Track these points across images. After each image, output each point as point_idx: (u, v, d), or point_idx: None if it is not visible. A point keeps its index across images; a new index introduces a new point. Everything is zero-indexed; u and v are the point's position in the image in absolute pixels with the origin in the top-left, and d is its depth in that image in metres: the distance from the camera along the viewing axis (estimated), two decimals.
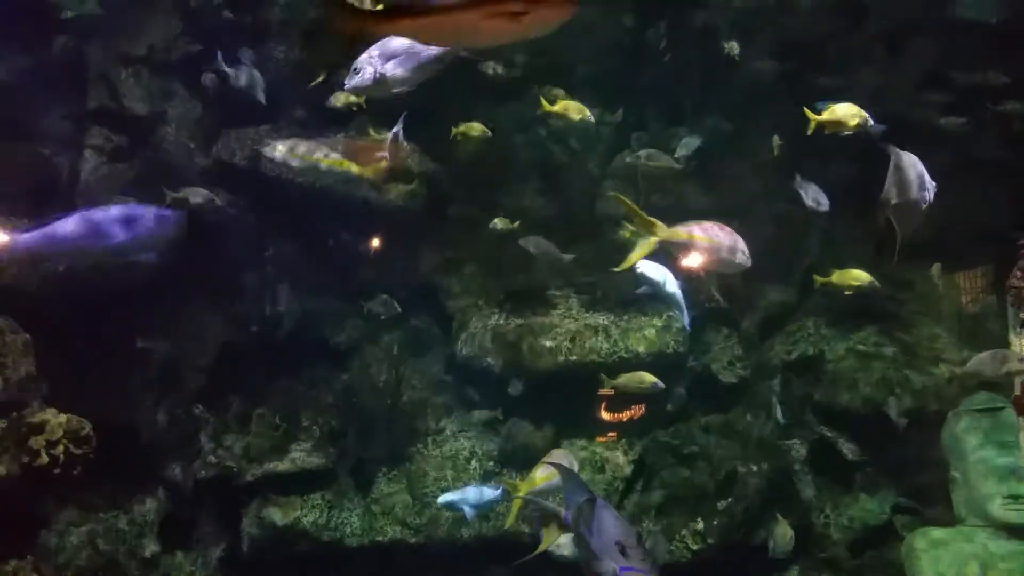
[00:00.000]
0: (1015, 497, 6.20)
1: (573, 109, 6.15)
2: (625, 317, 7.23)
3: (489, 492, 6.41)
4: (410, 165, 7.05)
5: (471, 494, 6.40)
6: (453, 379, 7.63)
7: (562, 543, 6.03)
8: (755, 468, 7.11)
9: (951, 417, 6.83)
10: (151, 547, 7.15)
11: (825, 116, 5.15)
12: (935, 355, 7.10)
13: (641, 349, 7.06)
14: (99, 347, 6.60)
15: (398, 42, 4.51)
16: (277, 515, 7.18)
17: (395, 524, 7.19)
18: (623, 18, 6.66)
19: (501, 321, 7.33)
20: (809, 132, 5.06)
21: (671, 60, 6.58)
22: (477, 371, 7.33)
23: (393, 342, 7.58)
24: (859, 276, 6.30)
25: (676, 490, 6.94)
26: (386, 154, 6.41)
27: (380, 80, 4.57)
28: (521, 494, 5.55)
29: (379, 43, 4.52)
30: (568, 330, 7.14)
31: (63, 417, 6.44)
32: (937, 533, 6.64)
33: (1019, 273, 5.77)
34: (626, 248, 7.25)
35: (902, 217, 4.32)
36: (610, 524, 3.90)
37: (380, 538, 7.16)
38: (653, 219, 4.40)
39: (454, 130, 6.40)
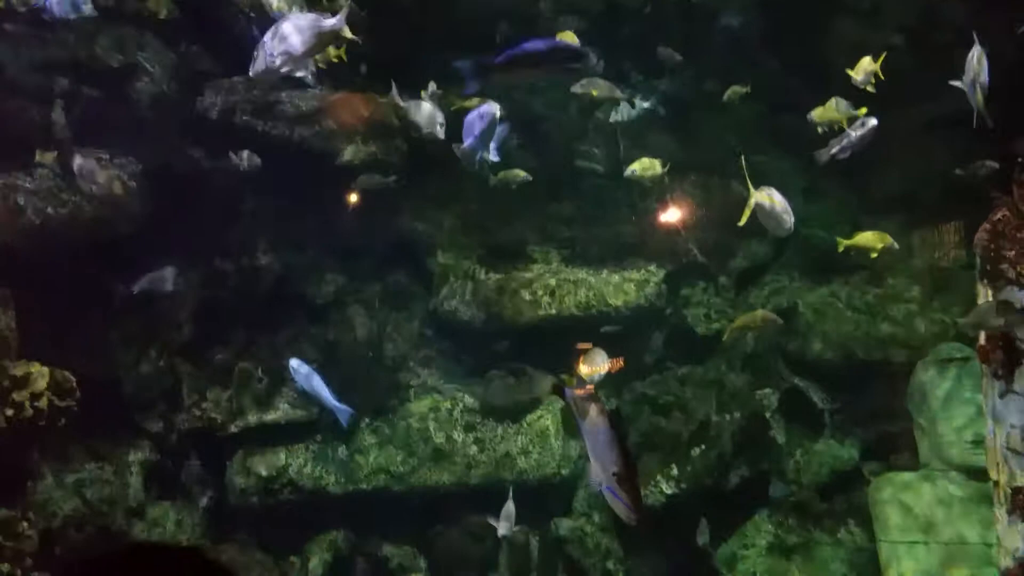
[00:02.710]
0: (976, 442, 6.40)
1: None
2: (604, 271, 7.32)
3: (331, 401, 6.58)
4: (392, 120, 6.99)
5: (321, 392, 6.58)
6: (434, 333, 7.71)
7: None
8: (728, 417, 7.31)
9: (919, 367, 7.03)
10: (137, 497, 7.26)
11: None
12: (905, 307, 7.26)
13: (620, 302, 7.17)
14: (79, 301, 6.59)
15: (286, 25, 4.89)
16: (262, 465, 7.31)
17: (378, 473, 7.35)
18: None
19: (481, 276, 7.39)
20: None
21: (651, 14, 6.52)
22: (457, 325, 7.41)
23: (374, 297, 7.63)
24: (883, 238, 6.47)
25: (651, 438, 7.14)
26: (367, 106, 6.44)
27: (271, 64, 4.88)
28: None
29: (272, 28, 4.90)
30: (547, 284, 7.22)
31: (46, 370, 6.47)
32: (902, 477, 6.91)
33: (988, 226, 5.85)
34: (607, 203, 7.42)
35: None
36: (609, 448, 4.07)
37: (364, 487, 7.33)
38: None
39: None
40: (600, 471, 4.20)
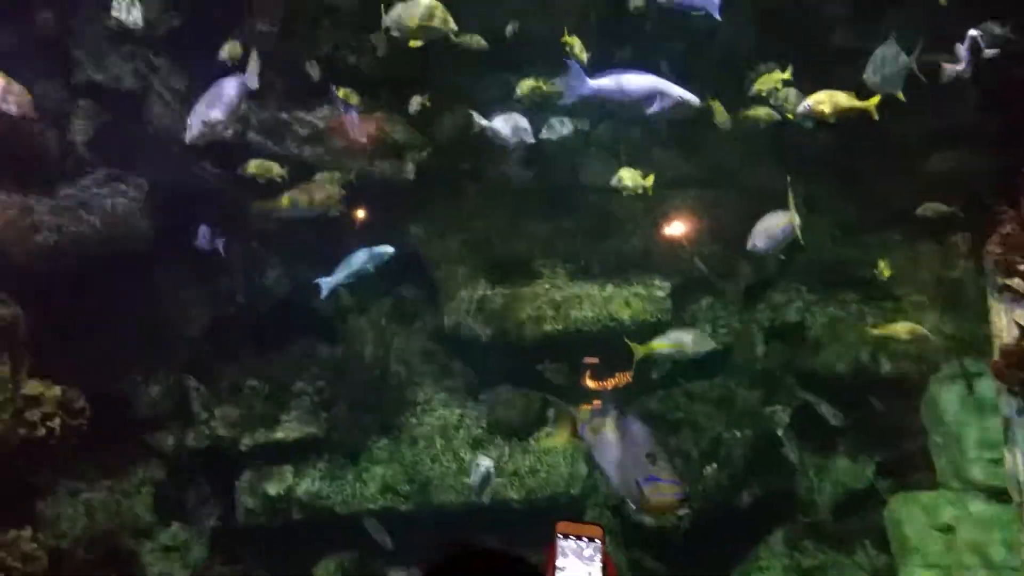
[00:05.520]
0: (995, 460, 6.26)
1: (578, 47, 6.23)
2: (609, 286, 7.33)
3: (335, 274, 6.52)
4: (395, 138, 7.12)
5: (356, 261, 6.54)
6: (440, 349, 7.71)
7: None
8: (739, 434, 7.23)
9: (932, 382, 6.92)
10: (146, 517, 7.27)
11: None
12: (916, 321, 7.17)
13: (625, 317, 7.16)
14: (89, 319, 6.69)
15: (213, 90, 5.62)
16: (270, 485, 7.29)
17: (386, 492, 7.31)
18: None
19: (487, 291, 7.41)
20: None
21: (652, 28, 6.63)
22: (464, 341, 7.42)
23: (381, 313, 7.68)
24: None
25: None
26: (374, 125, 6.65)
27: (206, 128, 5.55)
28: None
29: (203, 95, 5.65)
30: (553, 299, 7.23)
31: (57, 389, 6.55)
32: (919, 497, 6.76)
33: (998, 239, 5.81)
34: (612, 218, 7.47)
35: None
36: (641, 436, 4.11)
37: (371, 506, 7.28)
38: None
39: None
40: (632, 469, 4.15)
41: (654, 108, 5.46)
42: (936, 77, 5.81)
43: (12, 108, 5.71)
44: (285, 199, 6.58)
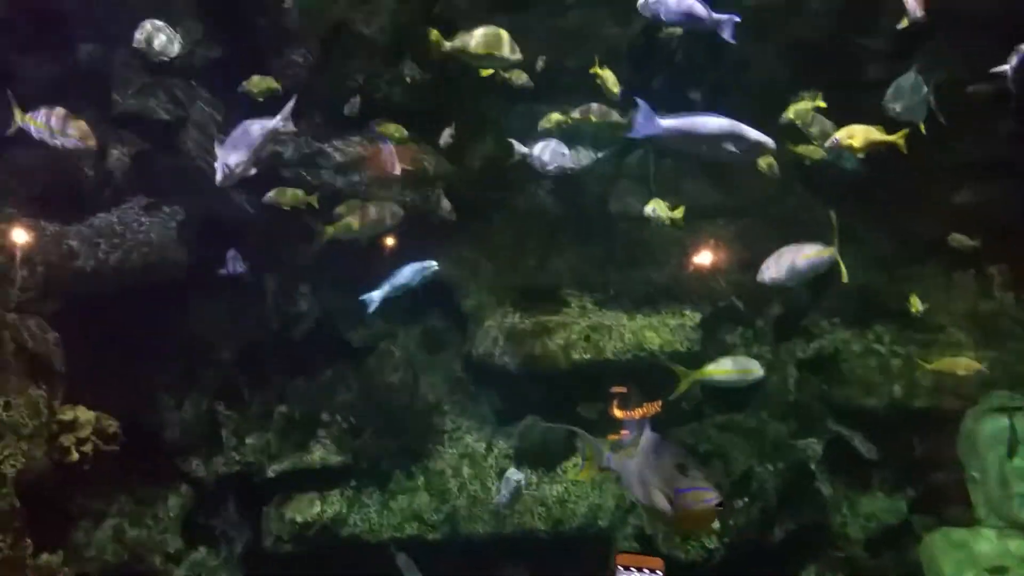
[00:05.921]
0: None
1: (611, 80, 6.24)
2: (639, 316, 7.30)
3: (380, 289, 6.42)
4: (426, 168, 7.17)
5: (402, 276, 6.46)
6: (469, 378, 7.71)
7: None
8: (771, 467, 7.13)
9: (969, 416, 6.79)
10: (175, 543, 7.30)
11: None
12: (951, 353, 7.06)
13: (656, 347, 7.12)
14: (123, 345, 6.77)
15: (234, 134, 5.51)
16: (298, 511, 7.31)
17: (413, 521, 7.30)
18: (634, 19, 6.74)
19: (516, 320, 7.41)
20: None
21: (682, 61, 6.65)
22: (492, 370, 7.41)
23: (409, 341, 7.70)
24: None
25: None
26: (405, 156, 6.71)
27: (228, 171, 5.46)
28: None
29: (225, 140, 5.56)
30: (582, 328, 7.21)
31: (91, 414, 6.62)
32: (956, 533, 6.60)
33: None
34: (642, 247, 7.46)
35: None
36: (667, 451, 4.06)
37: (398, 535, 7.27)
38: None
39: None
40: (662, 486, 4.10)
41: (730, 152, 5.26)
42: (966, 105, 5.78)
43: (69, 141, 5.78)
44: (353, 222, 6.59)
